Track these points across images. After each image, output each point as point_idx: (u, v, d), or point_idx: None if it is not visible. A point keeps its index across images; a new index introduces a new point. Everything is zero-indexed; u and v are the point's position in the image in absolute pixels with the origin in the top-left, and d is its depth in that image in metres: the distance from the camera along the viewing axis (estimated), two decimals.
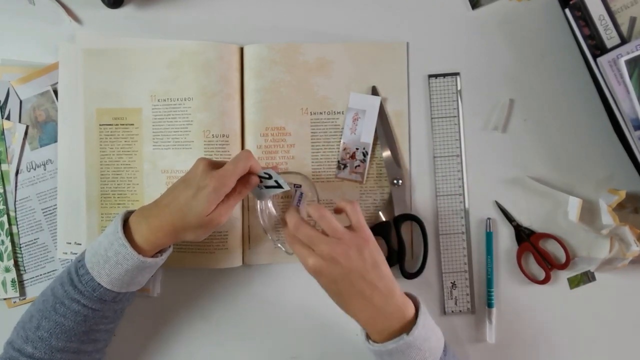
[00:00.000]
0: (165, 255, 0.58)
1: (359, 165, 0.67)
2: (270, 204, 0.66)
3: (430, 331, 0.55)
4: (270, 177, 0.58)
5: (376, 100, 0.67)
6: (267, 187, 0.59)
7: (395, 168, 0.67)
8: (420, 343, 0.53)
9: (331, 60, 0.68)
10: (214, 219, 0.55)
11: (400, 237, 0.66)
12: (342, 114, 0.68)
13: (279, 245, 0.66)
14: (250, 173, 0.58)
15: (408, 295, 0.57)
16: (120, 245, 0.54)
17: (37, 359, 0.54)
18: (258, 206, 0.65)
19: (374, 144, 0.68)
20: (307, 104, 0.68)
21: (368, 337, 0.56)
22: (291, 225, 0.57)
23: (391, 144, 0.68)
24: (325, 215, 0.56)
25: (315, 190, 0.67)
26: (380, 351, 0.54)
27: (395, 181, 0.67)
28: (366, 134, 0.67)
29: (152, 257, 0.56)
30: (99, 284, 0.54)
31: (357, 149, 0.67)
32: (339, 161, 0.68)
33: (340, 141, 0.68)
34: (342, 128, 0.68)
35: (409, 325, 0.54)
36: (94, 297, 0.55)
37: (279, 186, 0.58)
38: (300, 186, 0.67)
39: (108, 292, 0.55)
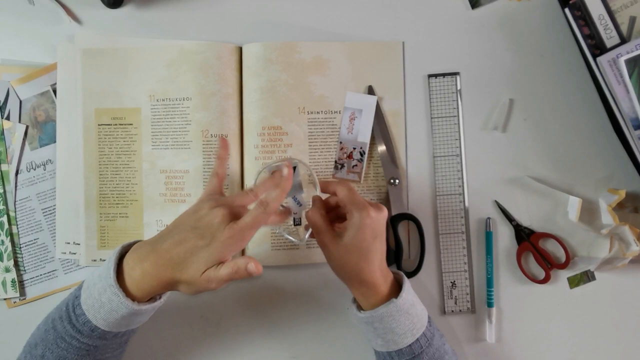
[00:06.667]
0: (163, 299, 0.55)
1: (356, 165, 0.67)
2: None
3: (414, 297, 0.58)
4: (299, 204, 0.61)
5: (372, 100, 0.67)
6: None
7: (392, 167, 0.67)
8: (408, 307, 0.56)
9: (328, 59, 0.68)
10: (209, 280, 0.51)
11: (397, 237, 0.66)
12: (339, 113, 0.68)
13: (286, 235, 0.65)
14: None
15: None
16: (112, 293, 0.50)
17: None
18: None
19: (371, 143, 0.68)
20: (304, 103, 0.68)
21: (359, 309, 0.58)
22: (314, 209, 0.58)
23: (388, 143, 0.67)
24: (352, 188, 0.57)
25: (312, 173, 0.64)
26: (372, 317, 0.55)
27: (392, 180, 0.67)
28: (363, 133, 0.67)
29: (148, 301, 0.53)
30: (96, 326, 0.51)
31: (354, 148, 0.67)
32: (336, 161, 0.68)
33: (337, 141, 0.68)
34: (339, 127, 0.68)
35: (393, 295, 0.56)
36: (94, 336, 0.52)
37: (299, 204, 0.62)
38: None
39: (107, 332, 0.52)
